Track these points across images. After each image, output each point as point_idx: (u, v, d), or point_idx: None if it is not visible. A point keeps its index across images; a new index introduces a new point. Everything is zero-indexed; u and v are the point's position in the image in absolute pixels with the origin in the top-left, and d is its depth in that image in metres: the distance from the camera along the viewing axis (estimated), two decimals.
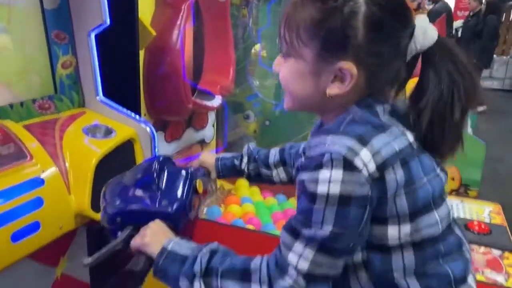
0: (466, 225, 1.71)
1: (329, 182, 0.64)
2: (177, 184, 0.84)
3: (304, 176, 0.67)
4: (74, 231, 1.15)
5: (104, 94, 1.42)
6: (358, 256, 0.71)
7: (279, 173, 1.08)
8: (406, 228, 0.68)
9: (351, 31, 0.67)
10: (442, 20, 3.48)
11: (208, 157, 1.12)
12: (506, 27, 8.88)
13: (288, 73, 0.76)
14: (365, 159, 0.64)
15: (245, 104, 2.53)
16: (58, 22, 1.29)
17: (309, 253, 0.66)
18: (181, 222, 0.84)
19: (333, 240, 0.65)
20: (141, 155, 1.36)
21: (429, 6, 6.90)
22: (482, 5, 6.53)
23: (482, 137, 3.42)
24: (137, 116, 1.43)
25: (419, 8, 8.85)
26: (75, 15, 1.33)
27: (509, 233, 1.71)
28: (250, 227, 1.92)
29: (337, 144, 0.65)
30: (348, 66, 0.69)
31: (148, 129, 1.37)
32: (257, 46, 2.60)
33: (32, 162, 1.05)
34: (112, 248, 0.80)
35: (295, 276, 0.66)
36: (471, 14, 6.56)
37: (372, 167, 0.64)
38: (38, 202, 1.03)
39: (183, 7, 1.68)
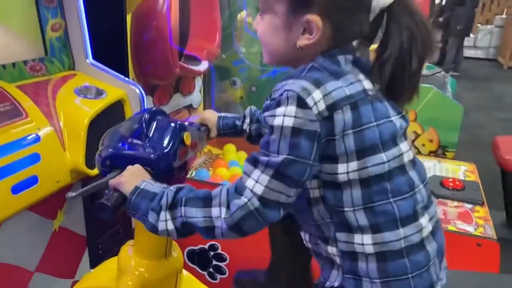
0: (442, 182, 1.81)
1: (284, 115, 0.72)
2: (164, 134, 0.90)
3: (267, 113, 0.75)
4: (70, 186, 1.21)
5: (93, 57, 1.46)
6: (316, 192, 0.80)
7: None
8: (353, 165, 0.76)
9: None
10: None
11: (211, 115, 1.18)
12: None
13: (264, 29, 0.83)
14: (316, 98, 0.72)
15: (232, 70, 2.57)
16: None
17: (264, 178, 0.74)
18: (162, 169, 0.90)
19: (286, 167, 0.73)
20: (131, 115, 1.41)
21: None
22: None
23: (465, 104, 3.52)
24: (127, 78, 1.48)
25: None
26: None
27: (481, 189, 1.82)
28: None
29: (294, 84, 0.73)
30: (314, 19, 0.76)
31: (137, 90, 1.42)
32: (243, 13, 2.62)
33: (28, 120, 1.11)
34: (95, 186, 0.86)
35: (250, 196, 0.74)
36: None
37: (321, 106, 0.72)
38: (35, 158, 1.08)
39: None
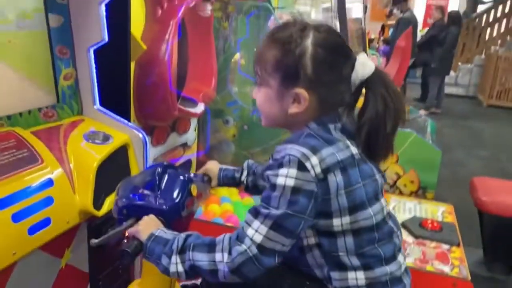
0: (421, 223, 1.94)
1: (286, 176, 0.86)
2: (174, 186, 1.02)
3: (269, 172, 0.89)
4: (78, 226, 1.30)
5: (99, 103, 1.57)
6: (312, 240, 0.93)
7: None
8: (346, 219, 0.90)
9: (302, 66, 0.91)
10: (409, 32, 3.72)
11: (213, 166, 1.31)
12: (471, 37, 9.34)
13: (261, 99, 0.99)
14: (314, 163, 0.86)
15: (225, 110, 2.70)
16: (61, 38, 1.43)
17: (263, 228, 0.86)
18: (173, 218, 1.02)
19: (284, 220, 0.86)
20: (134, 159, 1.51)
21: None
22: (444, 16, 6.97)
23: (445, 141, 3.67)
24: (130, 123, 1.59)
25: (390, 15, 9.20)
26: (76, 32, 1.48)
27: (458, 230, 1.95)
28: (229, 224, 2.09)
29: (294, 150, 0.88)
30: (302, 92, 0.92)
31: (140, 135, 1.53)
32: (237, 55, 2.77)
33: (43, 165, 1.20)
34: (115, 233, 0.98)
35: (250, 244, 0.87)
36: (434, 23, 6.99)
37: (318, 170, 0.86)
38: (49, 201, 1.18)
39: (171, 23, 1.84)
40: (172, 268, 0.90)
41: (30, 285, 1.20)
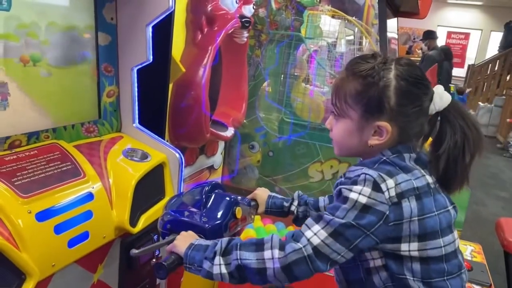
0: None
1: (360, 193, 0.87)
2: (219, 207, 1.02)
3: (342, 187, 0.90)
4: (112, 241, 1.30)
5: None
6: (378, 261, 0.93)
7: None
8: (414, 245, 0.90)
9: (385, 99, 0.92)
10: (433, 70, 3.75)
11: (262, 192, 1.31)
12: (492, 77, 9.34)
13: (339, 130, 1.00)
14: (389, 186, 0.87)
15: (253, 135, 2.72)
16: (108, 57, 1.47)
17: (323, 233, 0.87)
18: (213, 238, 1.01)
19: (345, 229, 0.86)
20: (169, 178, 1.52)
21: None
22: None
23: None
24: (167, 142, 1.60)
25: (409, 51, 9.24)
26: (122, 51, 1.52)
27: (488, 271, 1.90)
28: None
29: (371, 171, 0.89)
30: (384, 124, 0.93)
31: (177, 155, 1.54)
32: (265, 84, 2.82)
33: (85, 179, 1.22)
34: (155, 246, 0.98)
35: (306, 243, 0.87)
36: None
37: (392, 193, 0.87)
38: (89, 214, 1.18)
39: (209, 48, 1.88)
40: (216, 270, 0.90)
41: None
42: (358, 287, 0.99)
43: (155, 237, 1.43)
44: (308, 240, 0.87)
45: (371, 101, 0.93)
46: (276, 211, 1.30)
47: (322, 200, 1.29)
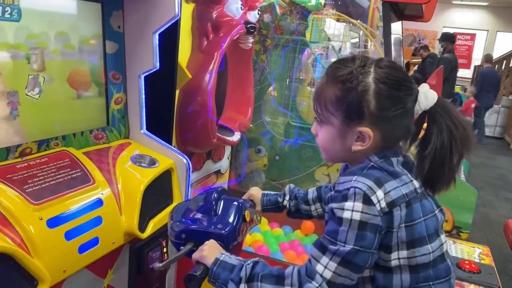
0: (458, 264, 1.89)
1: (352, 210, 0.85)
2: (230, 212, 1.04)
3: (333, 205, 0.88)
4: (121, 247, 1.31)
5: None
6: (366, 273, 0.91)
7: (316, 208, 1.26)
8: (403, 253, 0.89)
9: (365, 103, 0.89)
10: (439, 71, 3.72)
11: (256, 191, 1.30)
12: (505, 76, 9.29)
13: (323, 136, 0.98)
14: (380, 197, 0.85)
15: (259, 140, 2.73)
16: (115, 65, 1.49)
17: (332, 265, 0.86)
18: (231, 243, 1.03)
19: (353, 256, 0.85)
20: (177, 183, 1.54)
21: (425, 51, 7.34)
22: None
23: (475, 183, 3.62)
24: (174, 147, 1.62)
25: (415, 53, 9.21)
26: (129, 59, 1.54)
27: (497, 273, 1.89)
28: (260, 254, 2.08)
29: (360, 182, 0.87)
30: (366, 130, 0.91)
31: (185, 160, 1.56)
32: (270, 88, 2.84)
33: (95, 186, 1.23)
34: (176, 257, 0.99)
35: (320, 282, 0.86)
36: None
37: (383, 204, 0.85)
38: (98, 220, 1.20)
39: (215, 54, 1.90)
40: None
41: None
42: None
43: (163, 242, 1.44)
44: (321, 275, 0.86)
45: (351, 106, 0.90)
46: (272, 208, 1.29)
47: (311, 192, 1.27)
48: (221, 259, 0.95)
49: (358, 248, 0.84)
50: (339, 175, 1.04)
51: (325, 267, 0.86)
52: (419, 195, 0.92)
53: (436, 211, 0.95)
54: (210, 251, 0.97)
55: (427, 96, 0.92)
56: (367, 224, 0.84)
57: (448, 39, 6.85)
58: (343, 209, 0.86)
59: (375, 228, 0.85)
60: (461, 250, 2.12)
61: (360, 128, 0.91)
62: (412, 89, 0.92)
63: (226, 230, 1.01)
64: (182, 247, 1.00)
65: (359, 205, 0.84)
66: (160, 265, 0.96)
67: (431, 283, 0.91)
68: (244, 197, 1.29)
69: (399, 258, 0.89)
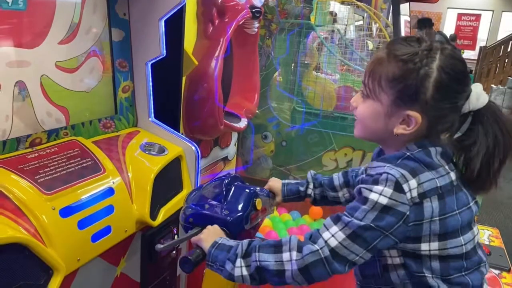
0: None
1: (380, 194, 0.84)
2: (240, 199, 1.03)
3: (362, 185, 0.87)
4: (133, 235, 1.32)
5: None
6: (397, 260, 0.91)
7: (344, 194, 1.25)
8: (435, 245, 0.88)
9: (423, 89, 0.86)
10: None
11: (276, 182, 1.29)
12: (504, 58, 9.19)
13: (365, 111, 0.95)
14: (411, 186, 0.84)
15: (266, 125, 2.73)
16: (122, 52, 1.48)
17: (341, 235, 0.85)
18: (236, 230, 1.03)
19: (364, 231, 0.84)
20: (187, 170, 1.54)
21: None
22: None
23: None
24: (183, 135, 1.62)
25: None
26: (135, 46, 1.53)
27: (507, 255, 1.90)
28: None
29: (394, 170, 0.85)
30: (415, 114, 0.88)
31: (193, 147, 1.55)
32: (276, 73, 2.81)
33: (106, 174, 1.23)
34: (180, 241, 1.00)
35: (323, 245, 0.86)
36: None
37: (414, 193, 0.84)
38: (110, 209, 1.20)
39: (221, 40, 1.89)
40: (237, 272, 0.90)
41: None
42: (374, 281, 0.98)
43: (174, 230, 1.45)
44: (326, 241, 0.86)
45: (407, 88, 0.87)
46: (293, 197, 1.28)
47: (337, 179, 1.26)
48: (220, 242, 0.95)
49: (372, 225, 0.84)
50: (371, 159, 1.04)
51: (333, 235, 0.86)
52: (455, 187, 0.90)
53: (471, 204, 0.94)
54: (209, 235, 0.98)
55: (479, 97, 0.90)
56: (391, 209, 0.83)
57: (426, 23, 6.61)
58: (371, 190, 0.85)
59: (400, 215, 0.84)
60: None
61: (410, 111, 0.88)
62: (468, 86, 0.90)
63: (232, 216, 1.01)
64: (189, 231, 1.01)
65: (388, 191, 0.83)
66: (161, 246, 0.96)
67: (463, 273, 0.91)
68: (265, 187, 1.27)
69: (430, 250, 0.88)
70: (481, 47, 10.08)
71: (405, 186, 0.83)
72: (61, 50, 1.27)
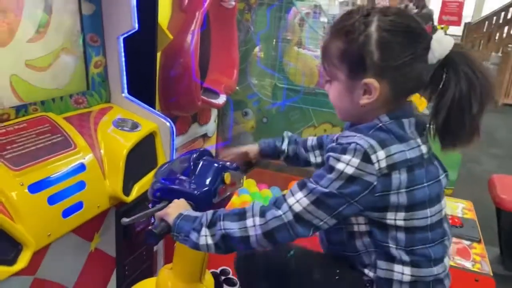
0: None
1: (347, 164, 0.84)
2: (208, 173, 1.03)
3: (331, 154, 0.87)
4: (107, 211, 1.32)
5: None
6: (363, 227, 0.93)
7: (315, 156, 1.26)
8: (401, 215, 0.89)
9: (367, 54, 0.86)
10: (428, 29, 3.68)
11: (252, 145, 1.29)
12: (488, 35, 9.22)
13: (333, 93, 0.96)
14: (380, 157, 0.84)
15: (246, 102, 2.71)
16: (93, 27, 1.45)
17: (305, 201, 0.86)
18: (204, 204, 1.03)
19: (328, 198, 0.85)
20: (161, 147, 1.53)
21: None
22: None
23: None
24: (157, 111, 1.60)
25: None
26: (107, 20, 1.49)
27: (478, 227, 1.95)
28: None
29: (363, 140, 0.85)
30: (371, 81, 0.88)
31: (168, 124, 1.54)
32: (256, 49, 2.78)
33: (76, 150, 1.22)
34: (145, 214, 0.99)
35: (286, 210, 0.87)
36: None
37: (383, 164, 0.84)
38: (81, 185, 1.20)
39: (197, 14, 1.85)
40: (202, 241, 0.90)
41: (62, 267, 1.22)
42: (339, 248, 1.00)
43: (150, 205, 1.45)
44: (290, 207, 0.86)
45: (353, 58, 0.87)
46: (269, 153, 1.28)
47: (311, 140, 1.27)
48: (185, 213, 0.95)
49: (336, 192, 0.84)
50: (343, 129, 1.03)
51: (297, 201, 0.86)
52: (425, 160, 0.91)
53: (441, 177, 0.95)
54: (175, 209, 0.97)
55: (441, 42, 0.86)
56: (357, 179, 0.84)
57: None
58: (339, 160, 0.85)
59: (366, 184, 0.84)
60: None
61: (365, 80, 0.88)
62: (421, 36, 0.87)
63: (199, 190, 1.01)
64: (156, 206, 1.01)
65: (355, 161, 0.83)
66: (127, 220, 0.96)
67: (427, 245, 0.92)
68: (242, 149, 1.28)
69: (395, 219, 0.89)
70: (465, 23, 10.08)
71: (373, 157, 0.84)
72: (28, 22, 1.24)
